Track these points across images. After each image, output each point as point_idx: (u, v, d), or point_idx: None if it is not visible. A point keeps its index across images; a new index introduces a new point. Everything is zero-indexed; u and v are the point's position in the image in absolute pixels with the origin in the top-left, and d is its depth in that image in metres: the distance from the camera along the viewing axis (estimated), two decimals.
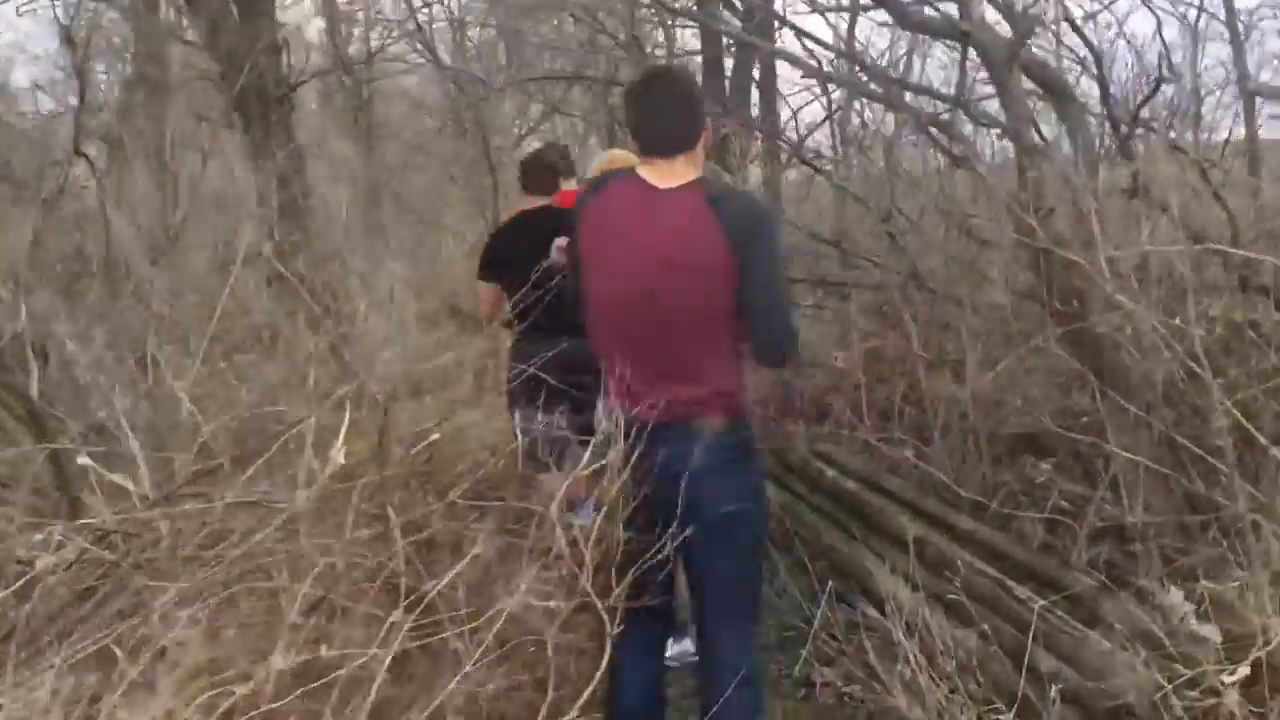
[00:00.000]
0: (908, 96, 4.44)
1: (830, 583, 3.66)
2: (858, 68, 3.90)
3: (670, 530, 2.34)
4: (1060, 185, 3.40)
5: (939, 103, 4.29)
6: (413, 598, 2.22)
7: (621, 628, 2.26)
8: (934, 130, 3.98)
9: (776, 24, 5.34)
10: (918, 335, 4.46)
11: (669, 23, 8.38)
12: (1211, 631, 3.16)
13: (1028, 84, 4.30)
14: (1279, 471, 2.99)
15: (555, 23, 8.38)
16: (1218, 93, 8.57)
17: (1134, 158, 4.09)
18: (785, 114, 9.42)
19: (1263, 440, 2.96)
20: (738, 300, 2.44)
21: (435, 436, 3.27)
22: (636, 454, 2.39)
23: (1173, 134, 5.58)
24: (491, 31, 9.74)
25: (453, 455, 3.55)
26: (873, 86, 4.23)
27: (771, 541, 4.31)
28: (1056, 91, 3.78)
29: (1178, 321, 2.71)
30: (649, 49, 7.91)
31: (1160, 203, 4.14)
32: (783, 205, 6.59)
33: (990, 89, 4.68)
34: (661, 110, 2.53)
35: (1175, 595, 3.28)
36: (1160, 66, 3.96)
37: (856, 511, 4.11)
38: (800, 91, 12.57)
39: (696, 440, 2.44)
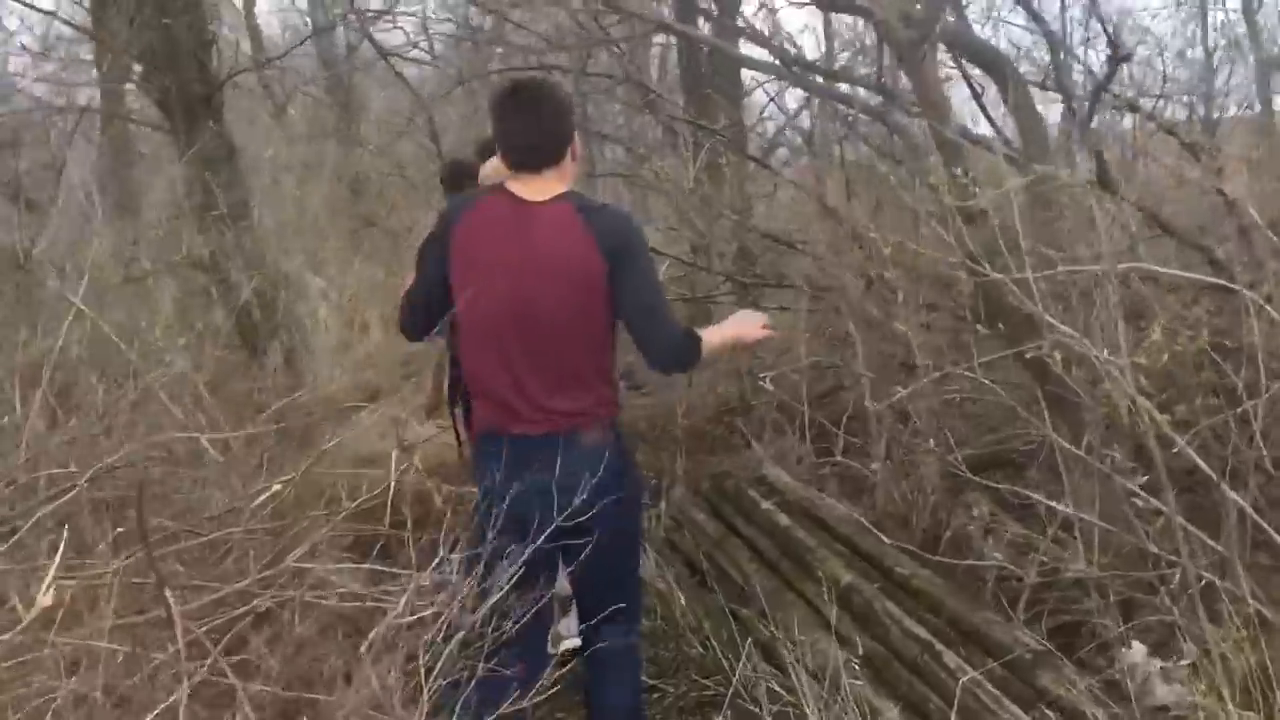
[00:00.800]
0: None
1: (750, 639, 3.26)
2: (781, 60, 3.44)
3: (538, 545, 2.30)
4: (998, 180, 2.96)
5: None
6: None
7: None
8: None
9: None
10: (863, 349, 4.03)
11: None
12: (1178, 695, 2.75)
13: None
14: (1240, 521, 2.56)
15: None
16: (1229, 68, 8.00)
17: (1098, 143, 3.61)
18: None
19: (1216, 477, 2.53)
20: (618, 311, 2.47)
21: (276, 488, 2.91)
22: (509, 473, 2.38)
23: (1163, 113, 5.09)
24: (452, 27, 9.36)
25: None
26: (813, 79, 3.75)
27: (702, 582, 3.93)
28: (992, 69, 3.33)
29: (1104, 354, 2.27)
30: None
31: (1138, 200, 3.70)
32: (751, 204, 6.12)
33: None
34: (529, 123, 2.48)
35: (1137, 653, 2.87)
36: (1110, 35, 3.45)
37: (788, 550, 3.69)
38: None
39: (578, 453, 2.45)
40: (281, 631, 2.53)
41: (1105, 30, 3.45)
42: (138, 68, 6.06)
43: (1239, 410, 2.47)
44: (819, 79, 3.63)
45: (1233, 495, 2.52)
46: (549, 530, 2.32)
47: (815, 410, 4.36)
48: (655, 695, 3.51)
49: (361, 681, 2.15)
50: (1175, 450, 2.53)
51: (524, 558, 2.26)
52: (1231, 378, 2.39)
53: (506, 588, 2.24)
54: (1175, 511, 2.34)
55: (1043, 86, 4.02)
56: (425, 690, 2.07)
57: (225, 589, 2.57)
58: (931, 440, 3.82)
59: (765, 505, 3.98)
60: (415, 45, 9.96)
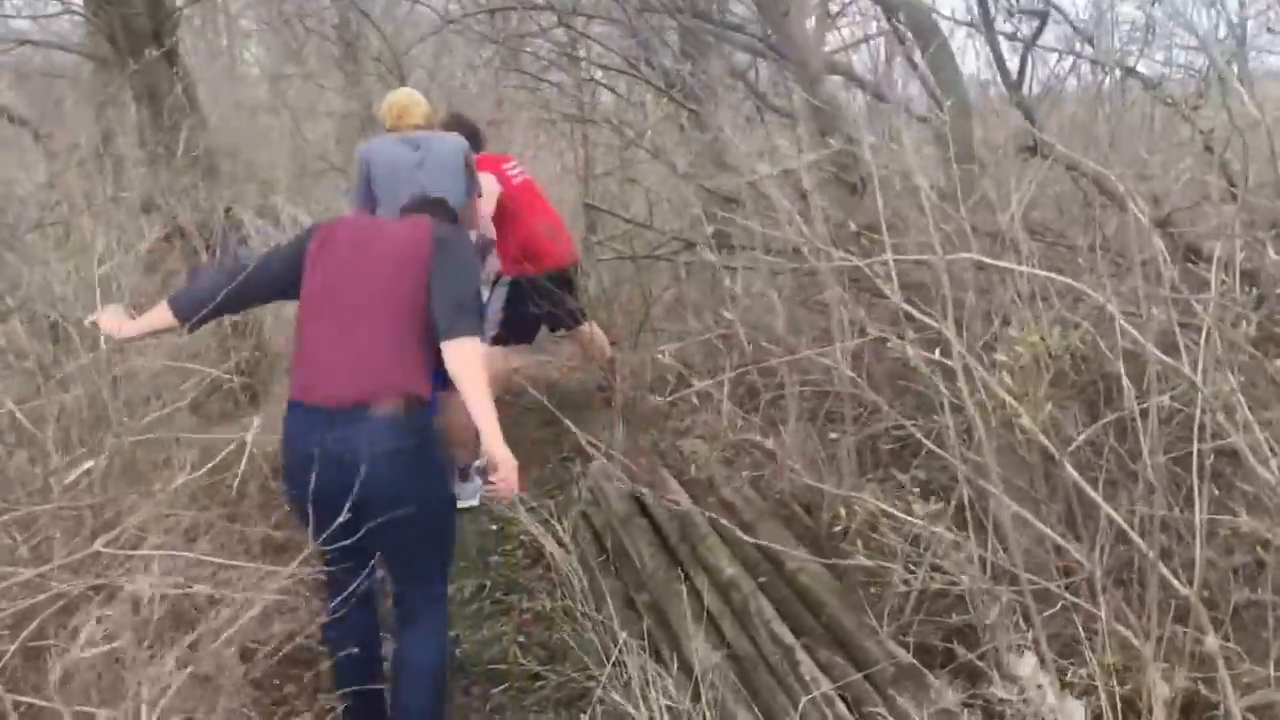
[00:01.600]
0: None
1: (624, 635, 3.08)
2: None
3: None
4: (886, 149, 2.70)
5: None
6: None
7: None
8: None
9: None
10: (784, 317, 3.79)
11: None
12: (1075, 710, 2.55)
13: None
14: (1119, 541, 2.34)
15: None
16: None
17: (1027, 108, 3.32)
18: None
19: (1090, 490, 2.30)
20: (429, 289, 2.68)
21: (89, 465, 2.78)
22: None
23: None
24: None
25: None
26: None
27: (605, 567, 3.76)
28: (915, 24, 3.04)
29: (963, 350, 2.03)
30: None
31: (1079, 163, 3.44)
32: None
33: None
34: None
35: (1028, 663, 2.66)
36: None
37: (686, 535, 3.50)
38: None
39: (372, 424, 2.60)
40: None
41: None
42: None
43: (1112, 419, 2.23)
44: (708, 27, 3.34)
45: (1107, 508, 2.29)
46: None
47: (740, 381, 4.12)
48: (537, 683, 3.37)
49: None
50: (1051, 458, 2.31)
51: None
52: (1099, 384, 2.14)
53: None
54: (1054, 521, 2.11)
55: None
56: None
57: (21, 574, 2.44)
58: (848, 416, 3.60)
59: (672, 483, 3.78)
60: None
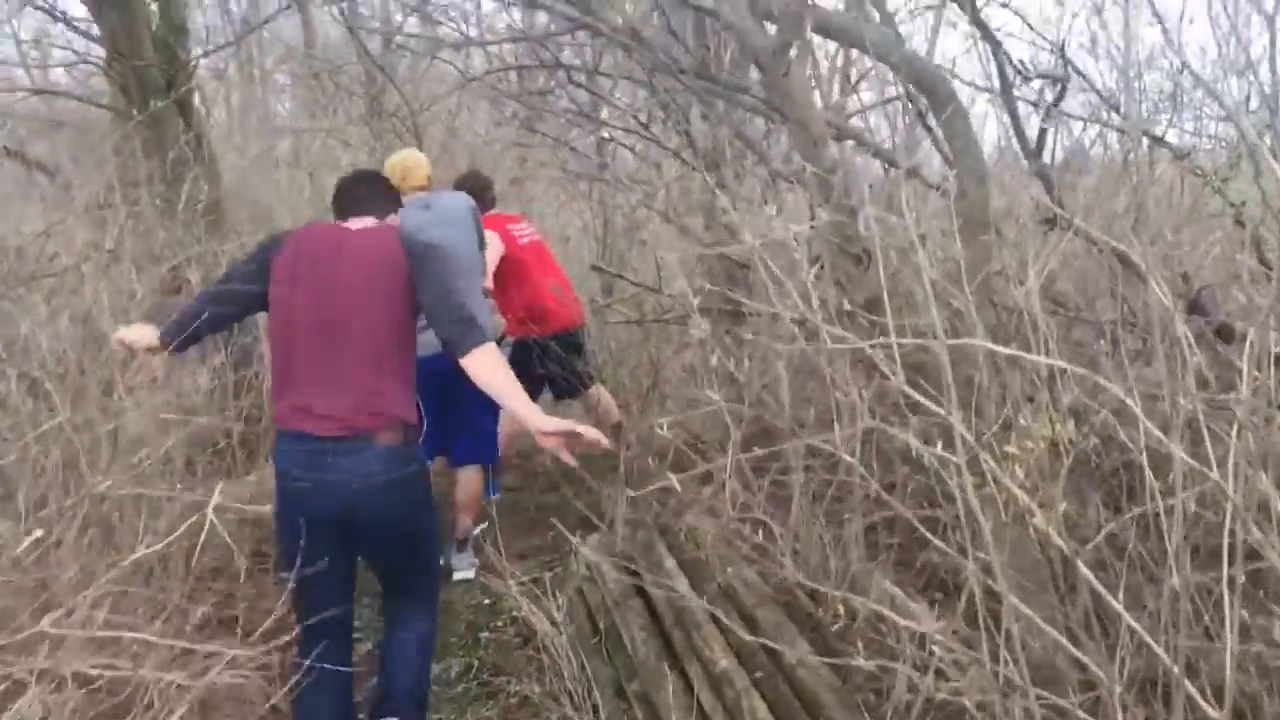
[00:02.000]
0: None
1: None
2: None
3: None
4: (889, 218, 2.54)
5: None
6: None
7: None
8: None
9: None
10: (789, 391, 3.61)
11: None
12: None
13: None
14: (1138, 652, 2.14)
15: None
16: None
17: (1047, 177, 3.16)
18: None
19: (1110, 598, 2.10)
20: (419, 300, 2.74)
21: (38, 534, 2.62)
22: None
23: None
24: None
25: None
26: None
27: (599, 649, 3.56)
28: (927, 87, 2.89)
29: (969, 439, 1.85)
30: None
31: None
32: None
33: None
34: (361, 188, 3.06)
35: None
36: (1062, 51, 2.96)
37: (681, 620, 3.30)
38: None
39: (374, 454, 2.69)
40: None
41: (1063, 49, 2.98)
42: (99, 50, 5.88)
43: (1135, 515, 2.04)
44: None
45: (1128, 619, 2.09)
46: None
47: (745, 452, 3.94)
48: None
49: None
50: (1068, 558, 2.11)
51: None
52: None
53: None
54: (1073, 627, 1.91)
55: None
56: None
57: None
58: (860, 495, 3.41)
59: (668, 563, 3.59)
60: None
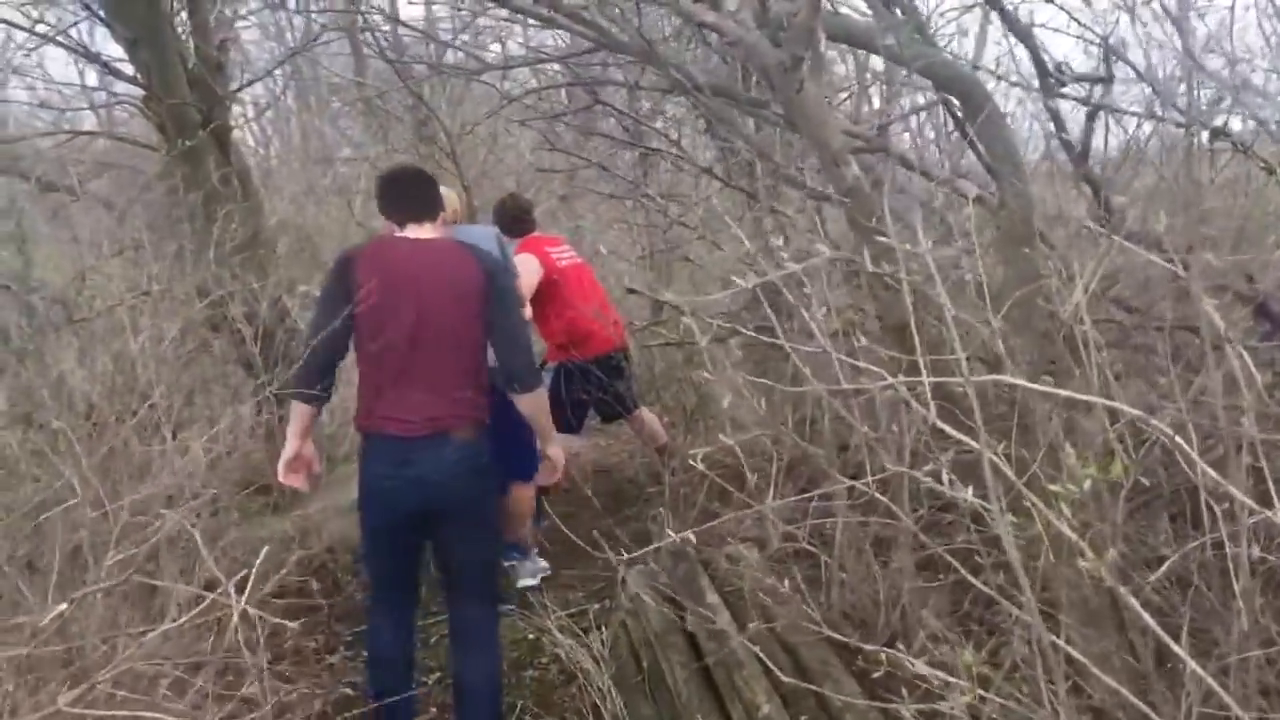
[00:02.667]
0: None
1: None
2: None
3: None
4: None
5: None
6: None
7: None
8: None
9: None
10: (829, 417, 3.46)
11: None
12: None
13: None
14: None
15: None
16: None
17: (1094, 179, 2.97)
18: None
19: (1173, 644, 1.92)
20: (488, 324, 3.09)
21: (63, 607, 2.54)
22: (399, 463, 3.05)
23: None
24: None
25: None
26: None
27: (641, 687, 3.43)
28: (961, 92, 2.73)
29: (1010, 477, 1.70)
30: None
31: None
32: None
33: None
34: (412, 190, 3.25)
35: None
36: (1106, 47, 2.76)
37: (724, 658, 3.16)
38: None
39: (451, 448, 3.04)
40: None
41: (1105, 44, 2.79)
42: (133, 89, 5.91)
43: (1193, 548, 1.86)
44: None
45: (1193, 665, 1.91)
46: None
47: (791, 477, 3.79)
48: None
49: None
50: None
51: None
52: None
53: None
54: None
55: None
56: None
57: None
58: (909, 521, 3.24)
59: (711, 598, 3.45)
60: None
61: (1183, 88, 4.26)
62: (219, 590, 2.40)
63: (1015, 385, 1.72)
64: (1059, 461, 1.93)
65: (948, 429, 1.94)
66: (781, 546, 3.65)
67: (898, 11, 2.81)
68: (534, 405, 3.25)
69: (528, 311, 4.82)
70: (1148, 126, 4.24)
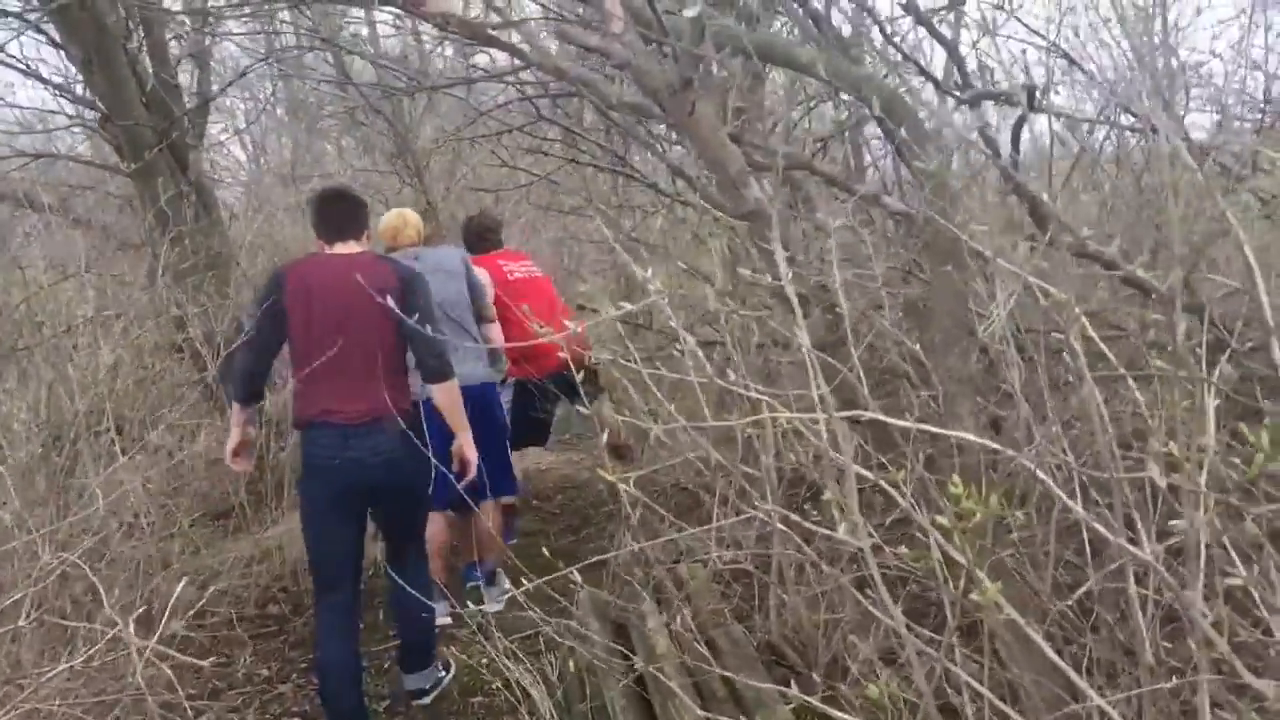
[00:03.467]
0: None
1: None
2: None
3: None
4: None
5: None
6: None
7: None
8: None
9: None
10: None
11: None
12: None
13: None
14: None
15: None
16: None
17: (1022, 188, 2.91)
18: None
19: (1075, 675, 1.87)
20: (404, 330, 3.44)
21: None
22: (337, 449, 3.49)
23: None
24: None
25: None
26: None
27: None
28: (885, 107, 2.67)
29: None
30: None
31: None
32: None
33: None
34: (339, 211, 3.69)
35: None
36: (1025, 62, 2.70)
37: (660, 685, 3.10)
38: None
39: (384, 436, 3.49)
40: None
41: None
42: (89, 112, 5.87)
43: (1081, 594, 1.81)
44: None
45: (1097, 699, 1.85)
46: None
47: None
48: None
49: None
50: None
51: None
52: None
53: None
54: None
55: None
56: None
57: None
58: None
59: (652, 622, 3.39)
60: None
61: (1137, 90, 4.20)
62: (116, 630, 2.35)
63: (860, 420, 1.66)
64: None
65: (838, 456, 1.89)
66: (724, 567, 3.60)
67: (819, 29, 2.76)
68: (445, 395, 3.64)
69: (497, 327, 4.81)
70: (1100, 132, 4.19)
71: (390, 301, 3.04)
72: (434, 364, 3.58)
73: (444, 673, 4.04)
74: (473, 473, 3.72)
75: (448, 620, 4.58)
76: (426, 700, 3.88)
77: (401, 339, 3.52)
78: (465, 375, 3.94)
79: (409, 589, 3.54)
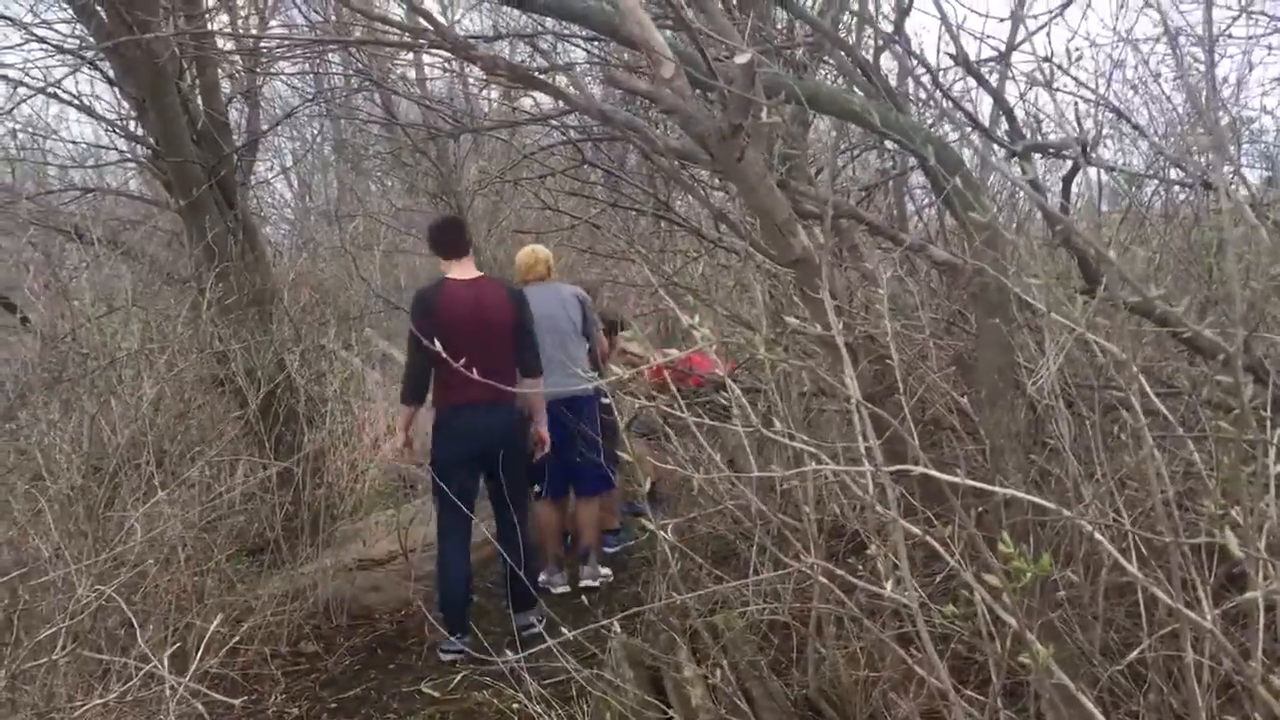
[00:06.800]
0: None
1: None
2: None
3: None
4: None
5: None
6: None
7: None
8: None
9: None
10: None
11: None
12: None
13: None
14: None
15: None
16: None
17: (1072, 241, 2.87)
18: None
19: None
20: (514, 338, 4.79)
21: None
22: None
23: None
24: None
25: None
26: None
27: None
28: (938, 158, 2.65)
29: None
30: None
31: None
32: None
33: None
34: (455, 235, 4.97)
35: None
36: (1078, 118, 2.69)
37: None
38: None
39: (504, 411, 4.77)
40: None
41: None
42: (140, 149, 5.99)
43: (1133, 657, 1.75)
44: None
45: None
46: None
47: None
48: None
49: None
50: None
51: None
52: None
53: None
54: None
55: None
56: None
57: None
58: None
59: (687, 670, 3.34)
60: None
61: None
62: (151, 665, 2.34)
63: (929, 476, 1.62)
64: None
65: (884, 511, 1.85)
66: (762, 619, 3.55)
67: (867, 78, 2.75)
68: (534, 387, 4.84)
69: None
70: (1149, 186, 4.14)
71: (507, 315, 4.66)
72: (531, 363, 4.79)
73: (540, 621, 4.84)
74: (546, 448, 4.99)
75: (566, 588, 5.55)
76: (538, 629, 4.70)
77: (512, 343, 4.73)
78: (559, 383, 4.97)
79: (518, 529, 4.69)
